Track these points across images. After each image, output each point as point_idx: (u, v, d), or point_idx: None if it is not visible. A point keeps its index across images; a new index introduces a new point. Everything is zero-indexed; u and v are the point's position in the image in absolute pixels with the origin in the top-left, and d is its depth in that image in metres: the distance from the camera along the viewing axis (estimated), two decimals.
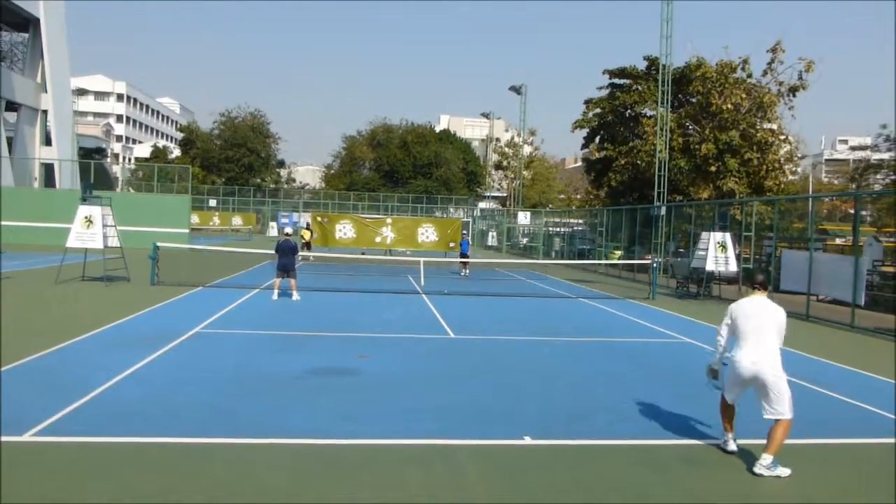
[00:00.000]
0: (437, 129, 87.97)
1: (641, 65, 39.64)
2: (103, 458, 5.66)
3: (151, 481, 5.20)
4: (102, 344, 10.32)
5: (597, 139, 43.33)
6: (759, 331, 6.16)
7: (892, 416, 8.01)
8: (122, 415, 6.81)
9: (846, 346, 13.57)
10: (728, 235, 20.57)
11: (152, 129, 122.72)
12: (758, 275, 6.65)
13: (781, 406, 5.94)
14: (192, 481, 5.25)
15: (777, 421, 5.94)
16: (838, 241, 31.39)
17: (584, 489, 5.46)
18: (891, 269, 23.32)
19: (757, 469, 5.84)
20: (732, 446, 6.40)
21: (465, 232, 30.43)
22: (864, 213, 38.78)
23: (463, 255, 27.09)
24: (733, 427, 6.48)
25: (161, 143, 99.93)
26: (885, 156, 41.28)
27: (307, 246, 29.19)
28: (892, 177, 40.53)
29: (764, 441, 5.95)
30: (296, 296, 16.68)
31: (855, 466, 6.34)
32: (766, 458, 5.86)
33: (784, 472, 5.82)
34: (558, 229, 44.80)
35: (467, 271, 26.45)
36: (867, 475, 6.10)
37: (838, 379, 10.12)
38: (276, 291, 16.90)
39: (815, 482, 5.84)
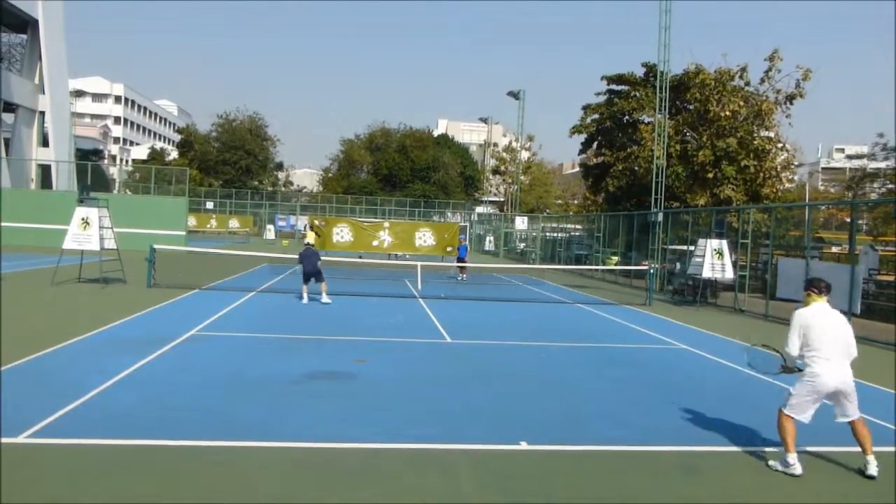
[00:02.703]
0: (436, 134, 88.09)
1: (640, 71, 39.75)
2: (98, 460, 5.65)
3: (146, 484, 5.19)
4: (98, 346, 10.29)
5: (594, 145, 43.40)
6: (834, 340, 6.04)
7: (889, 426, 8.02)
8: (117, 417, 6.79)
9: None
10: (725, 242, 20.61)
11: (150, 131, 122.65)
12: (821, 280, 6.40)
13: (854, 406, 6.09)
14: (187, 484, 5.24)
15: (853, 423, 6.09)
16: (834, 249, 31.53)
17: (579, 495, 5.45)
18: (887, 278, 23.40)
19: (871, 471, 5.95)
20: (799, 469, 5.99)
21: (462, 237, 30.41)
22: (860, 221, 38.88)
23: (460, 260, 27.12)
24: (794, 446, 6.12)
25: (158, 145, 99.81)
26: (882, 165, 41.44)
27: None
28: (889, 186, 40.68)
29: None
30: (325, 298, 16.81)
31: (850, 474, 6.33)
32: (873, 459, 6.01)
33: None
34: (556, 234, 44.83)
35: (465, 276, 26.46)
36: (862, 483, 6.10)
37: None
38: (304, 296, 17.00)
39: (812, 490, 5.84)
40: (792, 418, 6.12)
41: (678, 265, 25.31)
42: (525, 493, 5.43)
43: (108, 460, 5.66)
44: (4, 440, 5.88)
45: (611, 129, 41.08)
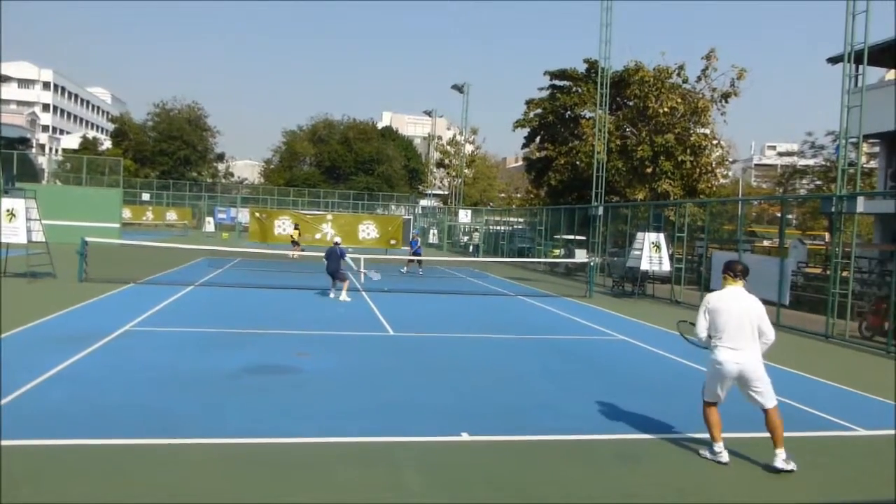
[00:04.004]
0: (380, 126, 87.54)
1: (582, 67, 40.41)
2: (28, 461, 5.42)
3: (77, 485, 5.02)
4: (25, 343, 9.87)
5: (537, 139, 43.94)
6: (740, 325, 5.93)
7: (813, 412, 8.38)
8: (45, 417, 6.54)
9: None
10: (662, 236, 21.14)
11: (82, 119, 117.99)
12: (737, 264, 6.31)
13: (768, 390, 6.00)
14: (124, 484, 5.09)
15: (766, 412, 5.99)
16: (766, 242, 32.72)
17: (521, 485, 5.53)
18: (814, 271, 24.42)
19: (781, 465, 5.88)
20: (726, 457, 6.05)
21: (416, 232, 30.37)
22: (790, 216, 40.52)
23: (415, 254, 26.96)
24: (721, 435, 6.12)
25: (91, 134, 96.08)
26: (811, 162, 43.21)
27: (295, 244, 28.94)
28: (817, 182, 42.46)
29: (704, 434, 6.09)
30: (344, 296, 16.66)
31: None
32: (782, 451, 5.93)
33: (792, 465, 5.93)
34: (499, 228, 45.20)
35: (421, 270, 26.30)
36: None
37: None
38: (332, 293, 17.09)
39: (745, 476, 6.05)
40: (712, 405, 6.17)
41: (616, 259, 25.88)
42: (467, 484, 5.47)
43: (38, 461, 5.44)
44: None
45: (553, 124, 41.64)
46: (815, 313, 17.62)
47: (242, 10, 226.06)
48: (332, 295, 17.30)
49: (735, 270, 6.22)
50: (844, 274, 15.77)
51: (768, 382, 6.04)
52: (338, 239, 18.76)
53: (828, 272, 17.89)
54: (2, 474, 5.06)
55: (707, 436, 6.31)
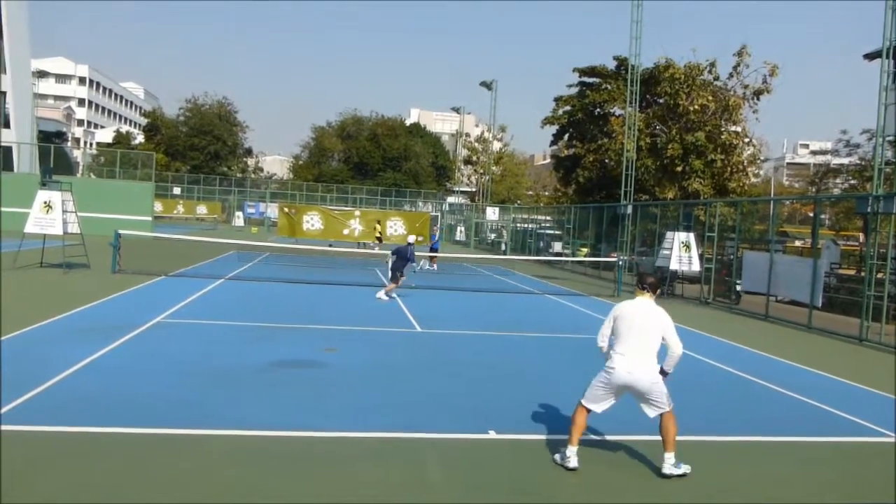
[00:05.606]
0: (408, 123, 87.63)
1: (611, 64, 39.99)
2: (60, 447, 5.54)
3: (105, 471, 5.11)
4: (60, 333, 10.08)
5: (566, 136, 43.63)
6: (639, 336, 5.79)
7: (844, 415, 8.22)
8: (78, 405, 6.67)
9: (802, 345, 13.88)
10: (692, 235, 20.89)
11: (115, 113, 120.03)
12: (648, 276, 6.19)
13: (661, 401, 5.78)
14: (151, 472, 5.17)
15: (661, 416, 5.80)
16: (797, 243, 32.17)
17: (549, 485, 5.50)
18: (848, 272, 23.96)
19: (666, 470, 5.73)
20: (574, 462, 5.80)
21: (435, 227, 30.42)
22: (823, 216, 39.76)
23: (432, 250, 27.11)
24: (578, 440, 5.90)
25: (124, 128, 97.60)
26: (845, 160, 42.30)
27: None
28: (851, 181, 41.56)
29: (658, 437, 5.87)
30: (382, 295, 16.40)
31: (802, 463, 6.49)
32: (670, 457, 5.74)
33: (686, 468, 5.75)
34: (526, 226, 45.03)
35: (435, 266, 26.44)
36: (818, 472, 6.27)
37: (792, 378, 10.34)
38: (393, 294, 16.76)
39: (760, 478, 5.96)
40: (586, 410, 5.94)
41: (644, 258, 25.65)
42: (492, 482, 5.46)
43: (70, 447, 5.56)
44: None
45: (582, 122, 41.32)
46: (848, 315, 17.27)
47: (274, 9, 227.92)
48: (379, 295, 16.72)
49: (645, 282, 6.11)
50: (880, 275, 15.44)
51: (664, 393, 5.80)
52: (411, 238, 18.48)
53: (862, 273, 17.53)
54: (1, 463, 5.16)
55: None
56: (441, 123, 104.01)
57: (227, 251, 27.23)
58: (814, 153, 66.98)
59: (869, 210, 15.26)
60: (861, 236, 34.40)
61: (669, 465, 5.75)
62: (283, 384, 8.05)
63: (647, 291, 6.05)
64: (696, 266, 20.84)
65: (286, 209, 32.54)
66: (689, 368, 10.72)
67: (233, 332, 11.18)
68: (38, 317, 10.91)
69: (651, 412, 5.85)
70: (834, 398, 8.98)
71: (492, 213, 49.97)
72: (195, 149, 77.63)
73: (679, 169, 32.75)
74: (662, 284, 21.68)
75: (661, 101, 35.92)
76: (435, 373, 9.23)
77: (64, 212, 17.82)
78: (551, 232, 34.71)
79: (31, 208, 17.70)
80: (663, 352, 5.81)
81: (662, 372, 5.86)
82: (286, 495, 4.95)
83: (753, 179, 40.84)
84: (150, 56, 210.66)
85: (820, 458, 6.72)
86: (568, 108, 41.97)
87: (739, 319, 17.31)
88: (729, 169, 32.89)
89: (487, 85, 54.81)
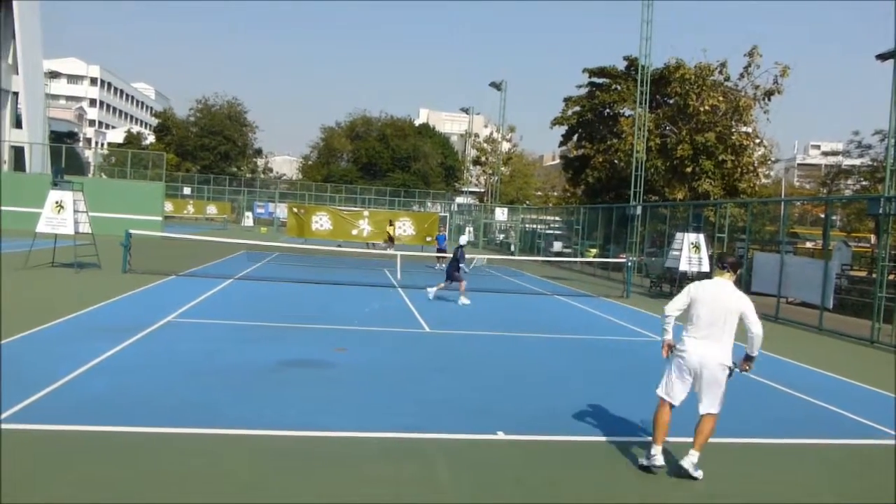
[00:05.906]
0: (417, 123, 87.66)
1: (621, 65, 39.91)
2: (70, 446, 5.58)
3: (115, 470, 5.14)
4: (71, 332, 10.14)
5: (575, 137, 43.57)
6: (716, 321, 5.62)
7: (854, 417, 8.16)
8: (88, 404, 6.70)
9: (813, 347, 13.80)
10: (702, 236, 20.79)
11: (126, 114, 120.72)
12: (728, 255, 5.98)
13: (717, 397, 5.68)
14: (161, 471, 5.19)
15: (702, 416, 5.70)
16: (808, 244, 31.98)
17: (556, 486, 5.49)
18: (859, 274, 23.80)
19: (685, 464, 5.60)
20: (660, 460, 5.69)
21: (442, 227, 30.41)
22: (834, 217, 39.51)
23: (440, 250, 27.11)
24: (663, 439, 5.74)
25: (135, 128, 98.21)
26: (856, 162, 42.03)
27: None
28: (863, 182, 41.29)
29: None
30: (463, 299, 16.49)
31: (811, 465, 6.45)
32: (695, 455, 5.61)
33: (700, 474, 5.62)
34: (535, 226, 44.96)
35: (442, 265, 26.43)
36: (826, 474, 6.22)
37: (802, 379, 10.28)
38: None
39: (774, 480, 5.92)
40: (668, 405, 5.82)
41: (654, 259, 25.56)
42: (500, 483, 5.45)
43: (79, 446, 5.59)
44: None
45: (591, 122, 41.25)
46: (859, 317, 17.16)
47: (284, 9, 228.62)
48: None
49: (725, 261, 5.99)
50: (892, 277, 15.32)
51: (722, 391, 5.68)
52: (463, 240, 18.39)
53: (874, 275, 17.40)
54: None
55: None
56: (450, 124, 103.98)
57: (236, 251, 27.33)
58: (825, 154, 66.61)
59: (881, 211, 15.16)
60: (873, 238, 34.16)
61: (691, 462, 5.62)
62: (292, 384, 8.07)
63: (728, 271, 5.90)
64: (706, 267, 20.73)
65: (295, 209, 32.63)
66: None
67: (242, 331, 11.22)
68: (50, 316, 10.98)
69: (704, 405, 5.68)
70: (844, 400, 8.93)
71: (500, 214, 49.93)
72: (205, 149, 77.96)
73: (689, 170, 32.62)
74: (741, 265, 21.52)
75: (672, 101, 35.80)
76: (443, 373, 9.23)
77: (75, 212, 17.92)
78: (551, 232, 34.93)
79: (42, 208, 17.81)
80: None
81: (748, 358, 5.76)
82: (295, 495, 4.96)
83: (764, 180, 40.62)
84: (161, 57, 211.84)
85: (829, 459, 6.68)
86: (577, 108, 41.90)
87: None
88: (739, 170, 32.73)
89: (497, 85, 54.76)
